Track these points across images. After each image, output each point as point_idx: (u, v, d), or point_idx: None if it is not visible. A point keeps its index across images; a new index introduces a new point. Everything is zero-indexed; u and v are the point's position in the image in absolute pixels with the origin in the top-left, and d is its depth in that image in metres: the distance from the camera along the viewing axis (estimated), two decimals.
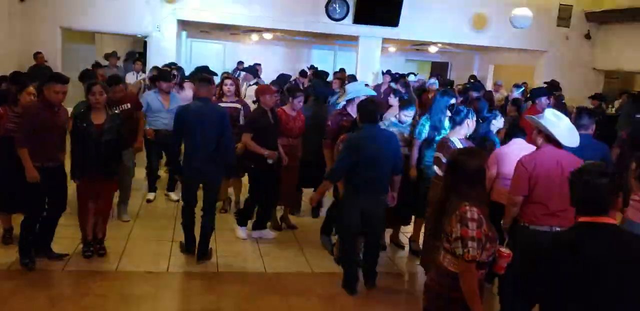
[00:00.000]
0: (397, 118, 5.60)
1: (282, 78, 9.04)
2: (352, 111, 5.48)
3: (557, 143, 3.96)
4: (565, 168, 3.88)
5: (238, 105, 6.34)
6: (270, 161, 5.44)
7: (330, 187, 4.96)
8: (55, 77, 4.66)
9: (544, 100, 7.21)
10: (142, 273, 4.81)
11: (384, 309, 4.51)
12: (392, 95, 7.48)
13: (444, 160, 4.53)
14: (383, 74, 11.37)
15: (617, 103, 12.87)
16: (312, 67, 13.16)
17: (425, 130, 5.43)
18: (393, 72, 12.28)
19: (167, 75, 7.02)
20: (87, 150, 4.77)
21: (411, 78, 11.60)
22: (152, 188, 7.00)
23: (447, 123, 5.41)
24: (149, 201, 6.82)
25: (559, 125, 3.94)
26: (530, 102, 8.11)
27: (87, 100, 4.86)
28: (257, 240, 5.71)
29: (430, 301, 2.97)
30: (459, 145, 4.48)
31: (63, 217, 4.94)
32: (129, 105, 5.94)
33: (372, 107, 4.60)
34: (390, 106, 6.84)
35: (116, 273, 4.79)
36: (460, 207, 2.78)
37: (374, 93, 5.90)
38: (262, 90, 5.67)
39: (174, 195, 6.93)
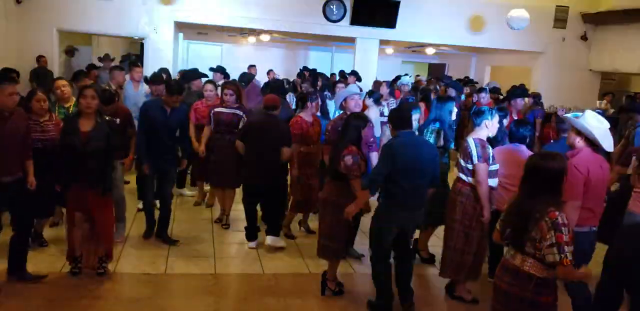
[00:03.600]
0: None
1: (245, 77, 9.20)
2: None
3: (593, 146, 3.92)
4: (605, 171, 3.95)
5: (238, 112, 6.15)
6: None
7: (369, 197, 4.66)
8: (4, 77, 4.22)
9: (519, 101, 7.40)
10: (139, 275, 4.80)
11: None
12: (367, 97, 7.49)
13: (462, 163, 4.49)
14: (348, 74, 11.36)
15: (603, 104, 12.88)
16: (305, 69, 13.16)
17: (433, 139, 5.44)
18: (389, 73, 12.30)
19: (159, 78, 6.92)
20: (73, 159, 4.39)
21: (405, 80, 11.59)
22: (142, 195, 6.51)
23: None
24: (139, 210, 6.38)
25: (601, 128, 3.90)
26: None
27: (78, 104, 4.53)
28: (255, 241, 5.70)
29: (507, 305, 3.01)
30: (472, 146, 4.44)
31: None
32: (117, 120, 5.11)
33: (406, 113, 4.40)
34: (366, 107, 6.85)
35: (113, 275, 4.78)
36: (549, 213, 2.82)
37: (358, 91, 5.75)
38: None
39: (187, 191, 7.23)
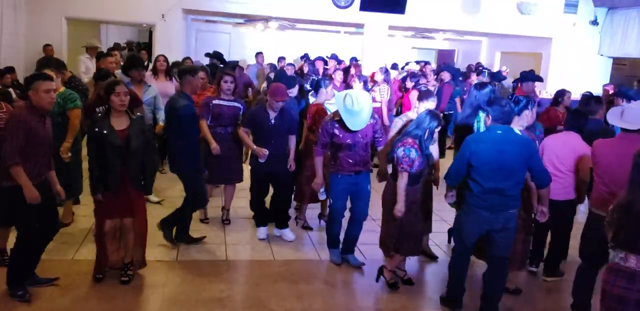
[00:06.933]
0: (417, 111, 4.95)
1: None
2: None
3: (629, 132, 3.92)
4: (619, 155, 3.83)
5: (237, 105, 5.74)
6: (261, 160, 5.24)
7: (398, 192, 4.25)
8: (40, 74, 3.93)
9: (530, 84, 7.46)
10: (151, 262, 4.82)
11: (392, 297, 4.53)
12: (355, 79, 7.46)
13: None
14: (328, 58, 11.31)
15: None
16: (305, 56, 13.12)
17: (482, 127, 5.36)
18: (398, 59, 12.16)
19: (139, 62, 6.38)
20: (109, 160, 4.16)
21: (411, 66, 11.52)
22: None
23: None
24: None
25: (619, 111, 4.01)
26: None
27: (107, 102, 4.20)
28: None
29: (614, 305, 2.91)
30: None
31: None
32: None
33: (509, 108, 3.93)
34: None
35: None
36: None
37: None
38: (271, 93, 5.27)
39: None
